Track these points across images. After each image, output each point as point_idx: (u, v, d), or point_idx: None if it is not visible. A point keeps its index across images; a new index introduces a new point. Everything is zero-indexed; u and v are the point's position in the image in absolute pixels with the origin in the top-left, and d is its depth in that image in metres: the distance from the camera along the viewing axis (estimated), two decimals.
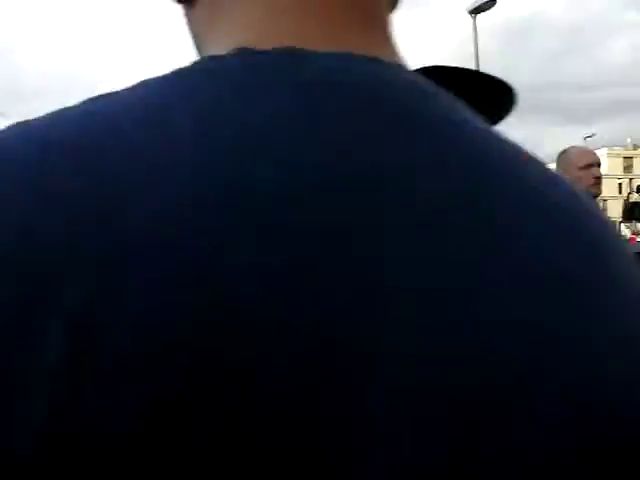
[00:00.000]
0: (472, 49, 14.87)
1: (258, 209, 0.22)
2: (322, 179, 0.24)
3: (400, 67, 0.31)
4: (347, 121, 0.26)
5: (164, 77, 0.27)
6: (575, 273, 0.26)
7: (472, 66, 15.41)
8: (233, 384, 0.20)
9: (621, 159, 62.50)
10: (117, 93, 0.26)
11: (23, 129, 0.25)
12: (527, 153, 0.30)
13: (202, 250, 0.21)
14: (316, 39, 0.28)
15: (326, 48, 0.27)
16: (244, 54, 0.27)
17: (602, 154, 49.66)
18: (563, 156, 2.75)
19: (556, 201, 0.28)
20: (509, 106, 0.49)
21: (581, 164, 2.62)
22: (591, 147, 5.68)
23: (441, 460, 0.22)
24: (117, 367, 0.20)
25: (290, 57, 0.27)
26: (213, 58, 0.28)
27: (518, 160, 0.29)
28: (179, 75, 0.27)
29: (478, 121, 0.30)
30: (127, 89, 0.27)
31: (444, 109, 0.29)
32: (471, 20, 13.04)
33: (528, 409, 0.23)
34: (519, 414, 0.23)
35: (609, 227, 0.31)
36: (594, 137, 55.35)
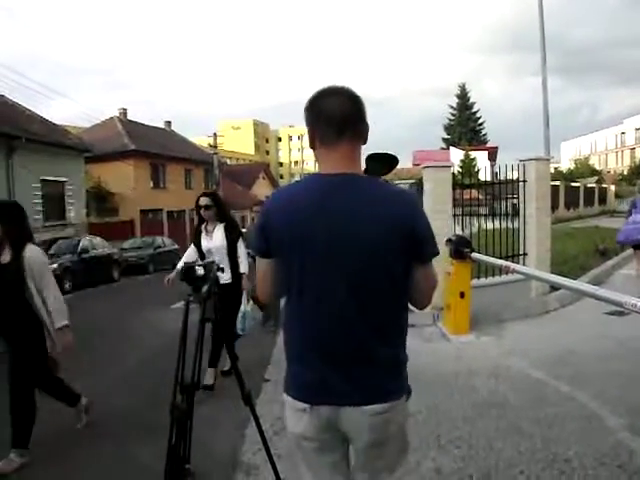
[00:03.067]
0: (535, 3, 15.08)
1: (301, 214, 1.86)
2: (319, 206, 1.82)
3: (358, 175, 1.90)
4: (335, 189, 1.83)
5: (307, 178, 2.02)
6: (363, 208, 1.81)
7: (536, 23, 15.74)
8: (280, 236, 1.86)
9: None
10: (297, 182, 2.17)
11: (282, 189, 2.14)
12: (382, 185, 1.94)
13: (285, 220, 1.87)
14: (340, 169, 1.85)
15: (341, 171, 1.85)
16: (320, 175, 1.89)
17: None
18: None
19: (379, 196, 1.85)
20: (395, 164, 2.07)
21: None
22: None
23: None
24: (272, 235, 1.88)
25: (326, 175, 1.87)
26: (315, 174, 1.93)
27: (377, 188, 1.89)
28: (308, 178, 2.01)
29: (372, 181, 1.92)
30: (298, 181, 2.18)
31: (365, 182, 1.89)
32: None
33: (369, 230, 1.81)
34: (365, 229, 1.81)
35: (382, 195, 1.86)
36: None
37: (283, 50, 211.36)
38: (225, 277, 5.30)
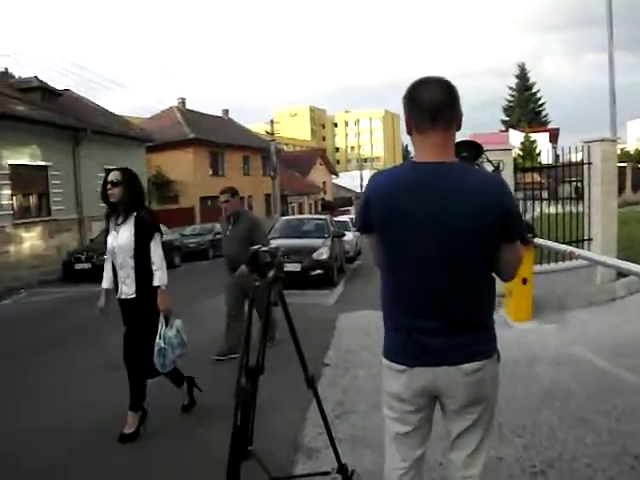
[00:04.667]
0: None
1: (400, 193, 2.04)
2: (416, 187, 1.99)
3: (452, 162, 2.04)
4: (430, 174, 1.99)
5: (404, 164, 2.24)
6: (457, 192, 1.95)
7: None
8: (380, 213, 2.06)
9: None
10: (395, 167, 2.26)
11: (382, 172, 2.20)
12: (475, 171, 2.21)
13: (384, 199, 2.03)
14: (434, 157, 2.00)
15: (435, 159, 1.99)
16: (414, 162, 2.06)
17: None
18: None
19: (471, 183, 1.98)
20: (481, 151, 2.48)
21: None
22: None
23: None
24: (373, 213, 2.05)
25: (422, 163, 2.02)
26: (411, 162, 2.10)
27: (470, 174, 2.06)
28: (405, 164, 2.24)
29: (465, 167, 2.12)
30: (396, 166, 2.28)
31: (458, 168, 2.04)
32: None
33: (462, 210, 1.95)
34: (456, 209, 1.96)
35: (475, 180, 2.02)
36: None
37: (339, 35, 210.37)
38: (127, 291, 4.13)
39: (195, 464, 3.73)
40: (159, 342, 4.05)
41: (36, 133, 19.35)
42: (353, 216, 44.28)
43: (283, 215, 27.77)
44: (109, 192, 4.06)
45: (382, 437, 2.30)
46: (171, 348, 4.10)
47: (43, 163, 19.92)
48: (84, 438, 4.23)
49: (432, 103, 1.99)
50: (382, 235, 2.09)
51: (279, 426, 4.19)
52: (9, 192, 18.31)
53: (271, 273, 2.98)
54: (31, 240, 19.29)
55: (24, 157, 19.04)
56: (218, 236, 23.67)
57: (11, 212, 18.41)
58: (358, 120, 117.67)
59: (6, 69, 24.00)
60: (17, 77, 23.55)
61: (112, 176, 4.08)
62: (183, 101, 39.15)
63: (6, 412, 4.77)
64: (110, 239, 4.16)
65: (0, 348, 7.17)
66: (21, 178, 18.77)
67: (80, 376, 5.97)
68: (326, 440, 3.24)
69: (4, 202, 18.10)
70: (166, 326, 4.12)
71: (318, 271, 12.11)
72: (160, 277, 4.10)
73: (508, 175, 8.12)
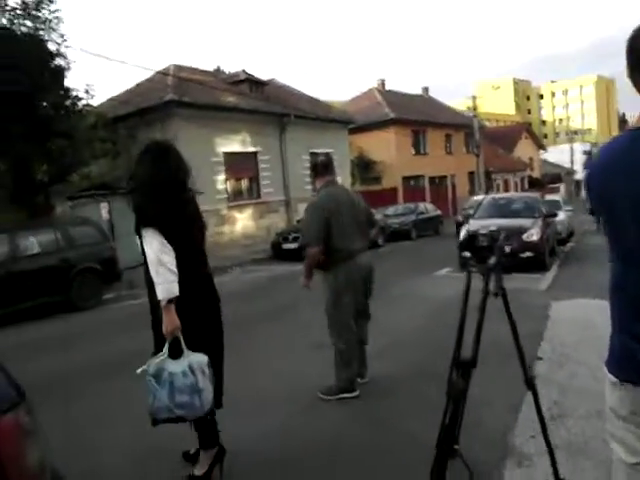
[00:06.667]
0: None
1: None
2: (624, 166, 1.57)
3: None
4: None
5: (622, 135, 1.69)
6: None
7: None
8: (595, 195, 1.73)
9: None
10: (613, 139, 1.73)
11: (602, 145, 1.78)
12: None
13: (598, 178, 1.72)
14: None
15: None
16: (633, 129, 1.62)
17: None
18: None
19: None
20: None
21: None
22: None
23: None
24: (591, 195, 1.77)
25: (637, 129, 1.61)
26: (630, 130, 1.63)
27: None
28: (625, 133, 1.66)
29: None
30: (615, 136, 1.74)
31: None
32: None
33: None
34: None
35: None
36: None
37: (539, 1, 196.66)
38: None
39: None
40: (148, 372, 2.98)
41: (245, 121, 20.78)
42: (563, 194, 41.53)
43: (487, 193, 26.62)
44: None
45: (606, 450, 1.94)
46: (167, 389, 2.93)
47: (253, 149, 21.35)
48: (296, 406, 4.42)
49: None
50: (602, 221, 1.76)
51: (488, 425, 3.87)
52: (223, 177, 19.94)
53: (492, 260, 2.63)
54: (243, 221, 20.81)
55: (235, 144, 20.55)
56: (421, 216, 23.64)
57: (226, 196, 20.02)
58: (566, 90, 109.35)
59: (218, 67, 26.07)
60: (227, 72, 25.47)
61: None
62: (382, 82, 39.32)
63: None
64: None
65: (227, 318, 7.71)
66: (233, 164, 20.31)
67: (284, 352, 6.28)
68: (539, 445, 2.94)
69: (219, 187, 19.71)
70: (170, 356, 2.99)
71: (528, 253, 11.30)
72: (161, 290, 2.98)
73: None
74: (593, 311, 6.57)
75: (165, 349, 2.99)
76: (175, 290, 2.96)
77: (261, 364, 5.86)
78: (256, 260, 16.89)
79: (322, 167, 4.85)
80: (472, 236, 2.78)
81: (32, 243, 10.02)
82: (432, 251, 16.91)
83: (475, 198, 23.04)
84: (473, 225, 11.90)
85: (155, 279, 2.97)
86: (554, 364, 4.97)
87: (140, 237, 3.08)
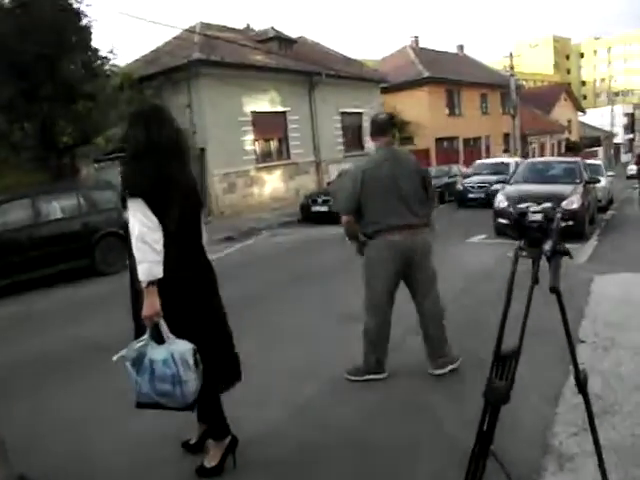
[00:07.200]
0: None
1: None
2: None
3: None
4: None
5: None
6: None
7: None
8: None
9: None
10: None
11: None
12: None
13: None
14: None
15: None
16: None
17: None
18: None
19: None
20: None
21: None
22: None
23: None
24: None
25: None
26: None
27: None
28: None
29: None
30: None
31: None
32: None
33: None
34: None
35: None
36: None
37: None
38: None
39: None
40: (126, 357, 2.76)
41: (274, 80, 20.30)
42: (602, 158, 40.04)
43: (524, 157, 25.78)
44: None
45: None
46: (147, 376, 2.72)
47: (281, 109, 20.88)
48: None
49: None
50: None
51: (524, 420, 3.48)
52: (252, 138, 19.55)
53: (548, 245, 2.16)
54: (272, 183, 20.50)
55: (264, 104, 20.09)
56: (453, 179, 23.01)
57: (254, 157, 19.67)
58: (610, 47, 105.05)
59: (248, 25, 25.43)
60: (256, 30, 24.81)
61: None
62: (416, 39, 38.04)
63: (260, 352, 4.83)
64: None
65: (252, 285, 7.51)
66: (262, 124, 19.87)
67: (311, 324, 6.10)
68: (582, 444, 2.72)
69: (247, 147, 19.36)
70: (152, 341, 2.75)
71: (567, 222, 10.71)
72: (142, 270, 2.70)
73: None
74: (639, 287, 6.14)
75: (147, 334, 2.75)
76: (157, 272, 2.67)
77: (286, 335, 5.69)
78: (285, 223, 16.59)
79: (376, 127, 4.39)
80: (523, 213, 2.28)
81: (54, 208, 9.92)
82: (465, 216, 16.36)
83: (478, 162, 22.70)
84: (510, 192, 11.40)
85: (136, 256, 2.68)
86: (598, 349, 4.53)
87: (125, 208, 2.76)
